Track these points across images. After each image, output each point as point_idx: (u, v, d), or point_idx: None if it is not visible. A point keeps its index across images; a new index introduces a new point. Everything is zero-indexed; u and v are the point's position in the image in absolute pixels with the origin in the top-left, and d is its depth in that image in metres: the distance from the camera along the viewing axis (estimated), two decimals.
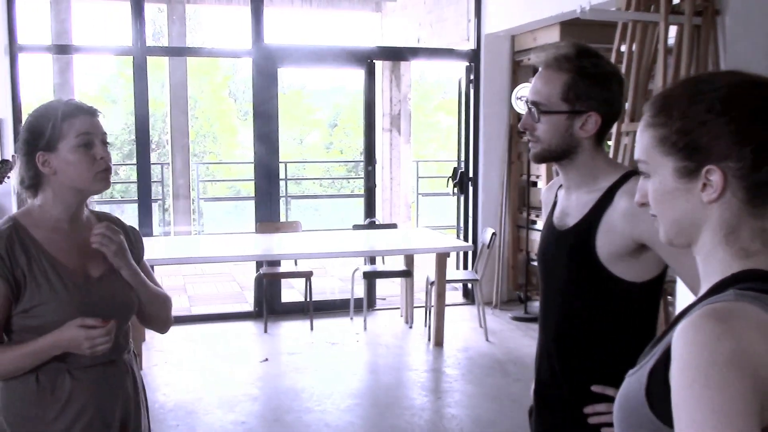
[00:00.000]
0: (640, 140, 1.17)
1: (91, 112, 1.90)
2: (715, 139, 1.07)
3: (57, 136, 1.84)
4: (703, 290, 1.13)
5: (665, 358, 1.04)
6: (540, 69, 1.79)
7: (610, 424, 1.30)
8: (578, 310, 1.79)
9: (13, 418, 1.86)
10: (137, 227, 6.81)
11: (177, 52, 9.46)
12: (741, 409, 0.92)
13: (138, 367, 2.11)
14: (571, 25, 6.12)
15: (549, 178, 6.45)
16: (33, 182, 1.88)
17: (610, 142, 4.20)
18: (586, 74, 1.73)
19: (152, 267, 6.35)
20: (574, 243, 1.78)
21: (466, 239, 7.37)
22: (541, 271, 1.94)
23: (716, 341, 0.96)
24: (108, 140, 1.92)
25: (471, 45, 7.34)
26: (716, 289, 1.09)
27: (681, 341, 0.99)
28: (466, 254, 7.49)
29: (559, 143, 1.76)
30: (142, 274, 2.00)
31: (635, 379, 1.12)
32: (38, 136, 1.85)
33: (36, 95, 14.34)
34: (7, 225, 1.86)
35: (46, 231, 1.88)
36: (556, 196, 1.93)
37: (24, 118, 6.30)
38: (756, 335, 0.97)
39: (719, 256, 1.11)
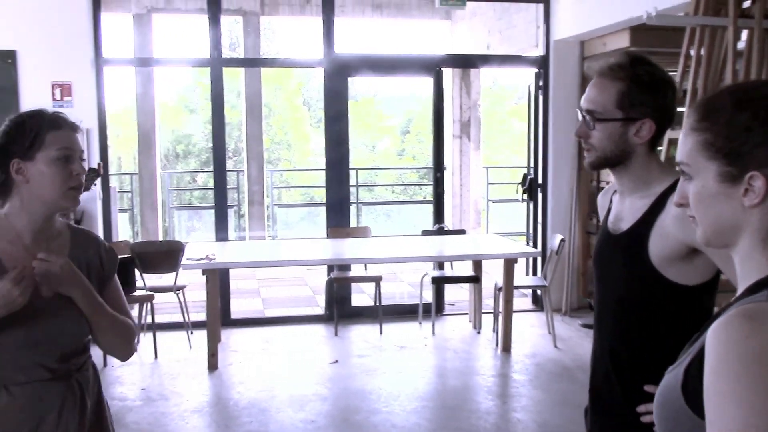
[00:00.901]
0: (684, 144, 1.22)
1: (74, 128, 1.88)
2: (758, 147, 1.11)
3: (38, 146, 1.80)
4: (739, 292, 1.18)
5: (700, 355, 1.10)
6: (594, 78, 1.84)
7: None
8: (632, 313, 1.84)
9: None
10: (214, 232, 6.95)
11: (251, 63, 9.75)
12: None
13: (94, 389, 1.97)
14: (640, 30, 6.08)
15: None
16: (2, 187, 1.84)
17: (661, 147, 4.17)
18: (639, 82, 1.77)
19: (228, 270, 6.62)
20: (627, 247, 1.82)
21: (535, 245, 7.37)
22: (596, 274, 1.99)
23: (746, 338, 1.01)
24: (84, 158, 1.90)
25: (540, 51, 7.36)
26: (751, 290, 1.14)
27: (713, 339, 1.05)
28: (535, 260, 7.49)
29: (614, 150, 1.81)
30: (100, 300, 1.90)
31: (673, 375, 1.18)
32: (17, 142, 1.81)
33: (120, 105, 14.98)
34: None
35: (4, 242, 1.84)
36: (610, 201, 1.98)
37: (108, 128, 6.63)
38: None
39: (756, 259, 1.16)
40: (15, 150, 1.81)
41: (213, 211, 7.04)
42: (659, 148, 1.91)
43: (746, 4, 4.26)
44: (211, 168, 7.15)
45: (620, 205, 1.90)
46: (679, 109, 2.14)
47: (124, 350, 2.04)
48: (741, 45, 4.28)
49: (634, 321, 1.83)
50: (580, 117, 1.85)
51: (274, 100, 20.90)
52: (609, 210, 1.97)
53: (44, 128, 1.82)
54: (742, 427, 0.98)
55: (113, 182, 6.86)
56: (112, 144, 6.57)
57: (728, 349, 1.03)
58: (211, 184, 17.37)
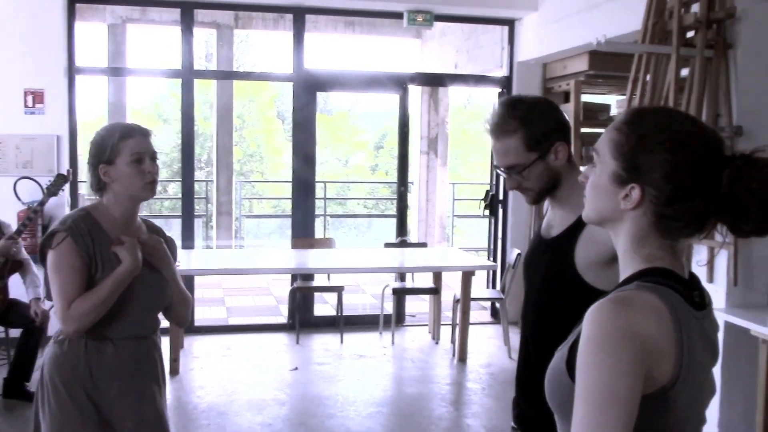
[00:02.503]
0: (605, 134, 1.41)
1: (144, 133, 2.37)
2: (651, 167, 1.31)
3: (115, 153, 2.31)
4: (619, 283, 1.38)
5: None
6: (492, 140, 2.04)
7: None
8: (551, 309, 2.02)
9: (64, 377, 2.30)
10: (180, 241, 7.10)
11: (223, 75, 9.90)
12: (627, 370, 1.19)
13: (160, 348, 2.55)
14: (598, 55, 6.33)
15: None
16: (98, 187, 2.38)
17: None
18: (529, 121, 1.98)
19: (192, 276, 6.74)
20: (555, 251, 2.02)
21: (495, 260, 7.58)
22: (525, 273, 2.18)
23: (612, 318, 1.23)
24: (158, 156, 2.38)
25: (504, 72, 7.60)
26: (624, 283, 1.36)
27: (588, 319, 1.26)
28: (494, 274, 7.69)
29: (546, 183, 2.02)
30: (177, 273, 2.48)
31: (560, 353, 1.38)
32: (101, 151, 2.33)
33: (92, 114, 15.02)
34: (80, 213, 2.35)
35: (109, 226, 2.35)
36: (547, 208, 2.18)
37: (79, 135, 6.74)
38: (647, 317, 1.24)
39: (629, 257, 1.37)
40: (100, 158, 2.34)
41: (180, 220, 7.15)
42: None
43: (690, 34, 4.50)
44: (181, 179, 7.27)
45: (552, 213, 2.10)
46: None
47: (186, 317, 2.57)
48: (685, 73, 4.52)
49: (553, 318, 2.01)
50: (504, 175, 2.05)
51: (248, 112, 21.02)
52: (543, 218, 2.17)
53: (117, 139, 2.33)
54: (602, 387, 1.19)
55: (82, 189, 6.95)
56: (82, 152, 6.66)
57: (597, 326, 1.23)
58: (176, 194, 17.39)
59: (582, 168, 2.04)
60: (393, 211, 17.44)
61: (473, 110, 23.04)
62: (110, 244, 2.31)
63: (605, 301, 1.27)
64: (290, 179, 7.36)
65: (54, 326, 5.18)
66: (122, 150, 2.31)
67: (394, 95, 7.52)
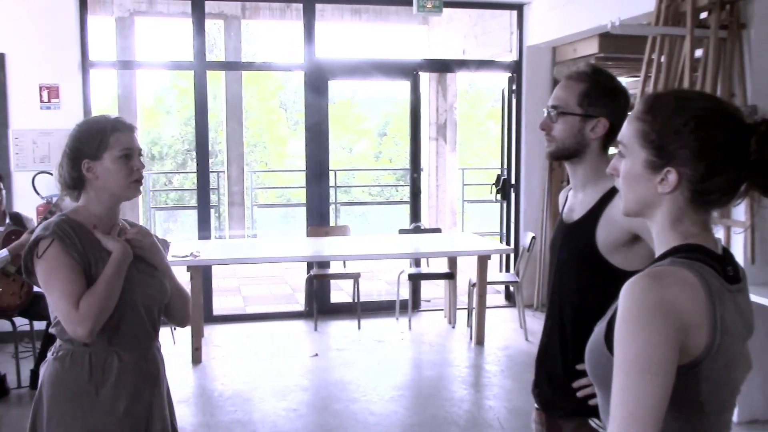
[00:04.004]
0: (627, 127, 1.46)
1: (132, 128, 2.20)
2: (681, 148, 1.37)
3: (104, 147, 2.12)
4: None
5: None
6: (562, 80, 2.12)
7: (596, 395, 1.60)
8: (577, 293, 2.08)
9: (67, 396, 2.11)
10: (193, 232, 7.17)
11: (234, 66, 9.93)
12: (663, 341, 1.26)
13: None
14: (608, 37, 6.35)
15: None
16: (75, 184, 2.17)
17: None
18: (599, 86, 2.06)
19: (210, 266, 6.81)
20: (577, 234, 2.08)
21: (508, 243, 7.64)
22: (550, 258, 2.24)
23: (648, 292, 1.29)
24: (142, 153, 2.24)
25: (513, 56, 7.63)
26: (658, 259, 1.42)
27: (624, 293, 1.32)
28: (508, 258, 7.76)
29: (572, 142, 2.07)
30: (171, 270, 2.31)
31: (599, 328, 1.45)
32: (86, 145, 2.13)
33: (101, 107, 15.06)
34: (60, 218, 2.14)
35: (90, 225, 2.17)
36: (567, 197, 2.23)
37: None
38: (681, 290, 1.30)
39: (666, 235, 1.43)
40: (85, 152, 2.14)
41: (188, 212, 7.22)
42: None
43: (703, 16, 4.53)
44: (187, 170, 7.33)
45: (573, 198, 2.16)
46: None
47: (187, 315, 2.41)
48: (699, 54, 4.56)
49: (579, 301, 2.07)
50: (545, 113, 2.11)
51: (250, 102, 21.05)
52: (565, 204, 2.22)
53: (108, 132, 2.15)
54: (639, 358, 1.25)
55: None
56: None
57: (633, 299, 1.30)
58: (186, 185, 17.45)
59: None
60: (398, 198, 17.66)
61: (475, 95, 23.05)
62: (97, 241, 2.14)
63: (640, 276, 1.33)
64: (299, 168, 7.42)
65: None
66: (111, 144, 2.13)
67: (404, 82, 7.57)
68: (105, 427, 2.14)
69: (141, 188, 2.22)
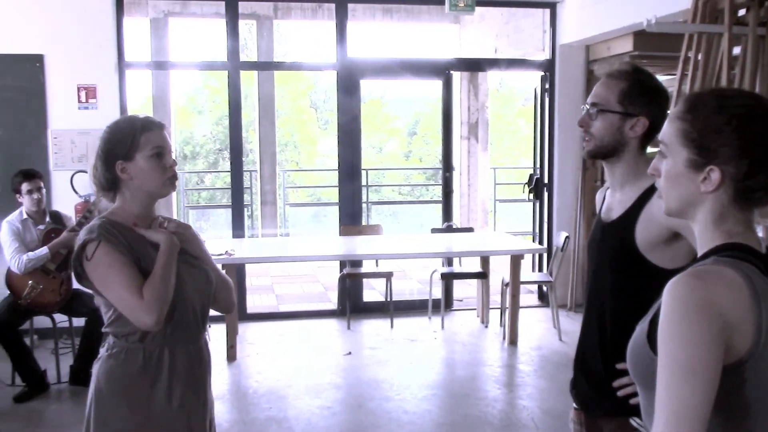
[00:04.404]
0: (668, 127, 1.46)
1: (162, 127, 2.22)
2: (723, 146, 1.37)
3: (135, 148, 2.14)
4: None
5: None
6: (602, 77, 2.11)
7: (636, 394, 1.59)
8: (617, 292, 2.07)
9: (118, 387, 2.16)
10: (226, 231, 7.26)
11: (267, 66, 10.01)
12: (707, 340, 1.25)
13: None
14: (643, 35, 6.29)
15: None
16: (110, 186, 2.20)
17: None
18: (640, 84, 2.05)
19: (243, 265, 6.87)
20: (617, 233, 2.07)
21: (541, 243, 7.60)
22: (589, 257, 2.23)
23: (692, 291, 1.29)
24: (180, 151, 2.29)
25: (546, 55, 7.59)
26: (701, 258, 1.41)
27: (668, 292, 1.32)
28: (540, 257, 7.72)
29: (610, 141, 2.06)
30: (212, 260, 2.34)
31: (641, 327, 1.45)
32: (118, 147, 2.15)
33: (136, 107, 15.26)
34: (101, 221, 2.17)
35: (130, 224, 2.21)
36: (604, 196, 2.22)
37: None
38: (725, 289, 1.29)
39: (709, 235, 1.42)
40: (118, 154, 2.16)
41: (219, 211, 7.29)
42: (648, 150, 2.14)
43: (741, 13, 4.48)
44: (219, 169, 7.39)
45: (611, 198, 2.15)
46: None
47: (231, 301, 2.43)
48: (737, 51, 4.50)
49: (619, 300, 2.06)
50: (584, 110, 2.10)
51: (281, 102, 21.16)
52: (602, 204, 2.21)
53: (138, 132, 2.16)
54: (683, 357, 1.25)
55: None
56: None
57: (677, 299, 1.29)
58: (218, 184, 17.61)
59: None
60: (428, 197, 17.66)
61: (506, 94, 22.96)
62: (141, 237, 2.18)
63: (684, 275, 1.32)
64: (328, 168, 7.46)
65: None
66: (142, 144, 2.14)
67: (436, 81, 7.57)
68: (161, 420, 2.18)
69: (176, 185, 2.24)
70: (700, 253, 1.44)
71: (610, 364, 2.00)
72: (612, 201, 2.14)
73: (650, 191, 2.00)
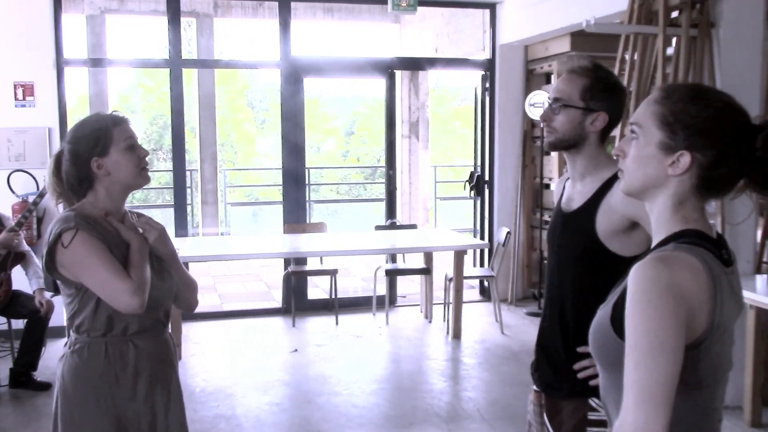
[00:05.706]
0: (643, 109, 1.53)
1: (128, 120, 2.26)
2: (696, 134, 1.45)
3: (109, 142, 2.17)
4: (654, 244, 1.53)
5: (624, 293, 1.44)
6: (564, 74, 2.20)
7: (596, 376, 1.68)
8: (577, 279, 2.17)
9: (89, 387, 2.16)
10: (174, 229, 7.17)
11: (210, 64, 9.93)
12: (672, 323, 1.34)
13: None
14: (580, 36, 6.50)
15: None
16: (80, 185, 2.20)
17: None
18: (601, 82, 2.15)
19: (187, 264, 6.81)
20: (577, 222, 2.17)
21: (482, 239, 7.74)
22: (549, 245, 2.33)
23: (658, 274, 1.37)
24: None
25: (486, 55, 7.73)
26: (662, 243, 1.50)
27: (633, 276, 1.39)
28: (482, 253, 7.86)
29: (572, 134, 2.15)
30: (178, 259, 2.34)
31: (603, 311, 1.52)
32: (93, 143, 2.17)
33: (72, 107, 14.92)
34: (71, 213, 2.17)
35: (103, 219, 2.21)
36: (564, 187, 2.32)
37: (69, 127, 6.75)
38: (688, 274, 1.38)
39: (667, 217, 1.51)
40: (93, 151, 2.18)
41: (155, 210, 7.21)
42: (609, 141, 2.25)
43: (675, 15, 4.68)
44: (154, 169, 7.31)
45: (572, 188, 2.25)
46: None
47: (194, 300, 2.44)
48: (670, 51, 4.70)
49: (579, 286, 2.16)
50: (546, 105, 2.19)
51: (218, 102, 20.91)
52: (562, 194, 2.31)
53: (110, 127, 2.21)
54: (651, 336, 1.33)
55: None
56: None
57: (643, 282, 1.37)
58: (153, 184, 17.27)
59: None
60: (366, 196, 17.72)
61: (442, 94, 23.19)
62: (112, 230, 2.19)
63: (649, 259, 1.40)
64: (266, 167, 7.46)
65: (57, 320, 5.26)
66: (115, 138, 2.18)
67: (377, 80, 7.64)
68: (128, 412, 2.21)
69: (149, 176, 2.27)
70: (655, 237, 1.52)
71: (571, 347, 2.11)
72: (572, 192, 2.23)
73: (610, 182, 2.10)
